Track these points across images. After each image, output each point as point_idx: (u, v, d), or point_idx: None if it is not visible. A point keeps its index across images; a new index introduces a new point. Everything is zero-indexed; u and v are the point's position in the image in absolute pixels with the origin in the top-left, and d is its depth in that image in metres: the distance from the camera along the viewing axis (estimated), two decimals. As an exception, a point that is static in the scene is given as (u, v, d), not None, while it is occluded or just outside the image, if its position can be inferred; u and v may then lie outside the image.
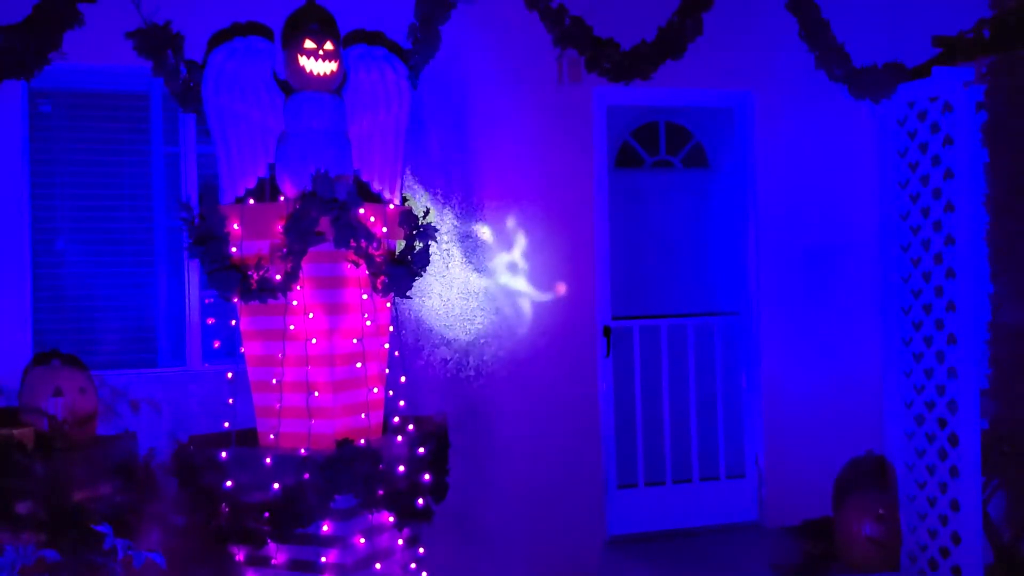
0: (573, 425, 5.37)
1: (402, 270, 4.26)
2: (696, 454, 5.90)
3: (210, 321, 4.79)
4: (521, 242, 5.31)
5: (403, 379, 4.52)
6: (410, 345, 5.02)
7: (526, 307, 5.31)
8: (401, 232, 4.39)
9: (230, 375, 4.32)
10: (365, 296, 4.24)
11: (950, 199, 4.93)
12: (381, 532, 4.18)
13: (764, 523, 5.79)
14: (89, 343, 4.77)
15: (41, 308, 4.71)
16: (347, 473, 3.95)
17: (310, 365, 4.12)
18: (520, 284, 5.31)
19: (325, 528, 3.99)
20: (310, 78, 4.25)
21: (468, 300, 5.19)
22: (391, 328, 4.48)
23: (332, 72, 4.28)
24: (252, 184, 4.37)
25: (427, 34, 4.96)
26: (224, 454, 4.08)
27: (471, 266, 5.21)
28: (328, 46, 4.25)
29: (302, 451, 4.03)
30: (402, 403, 4.47)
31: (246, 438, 4.34)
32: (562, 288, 5.36)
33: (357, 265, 4.17)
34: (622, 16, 5.39)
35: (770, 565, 5.28)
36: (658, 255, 6.24)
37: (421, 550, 4.41)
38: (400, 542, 4.26)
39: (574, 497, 5.36)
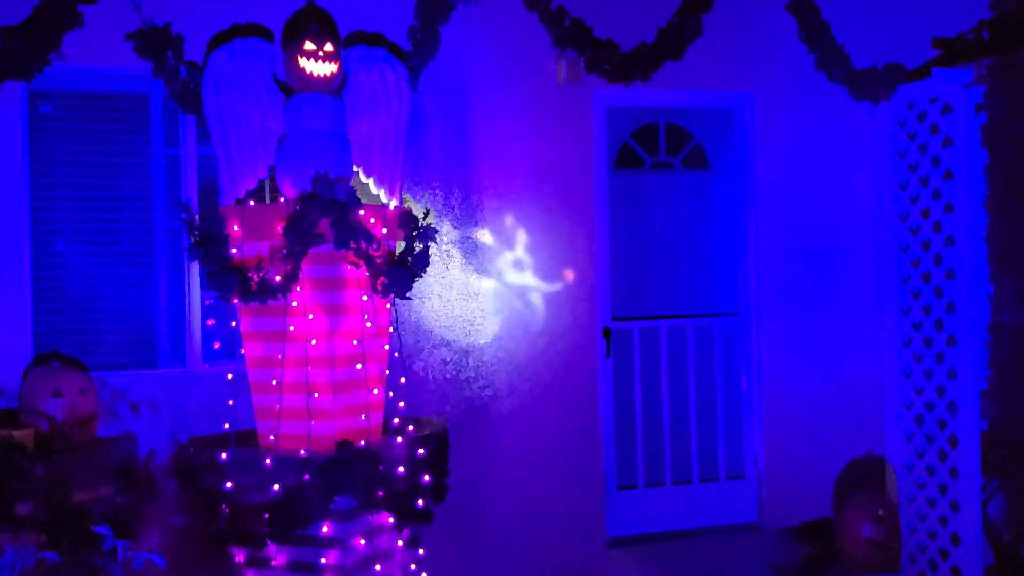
0: (573, 426, 5.37)
1: (402, 271, 4.26)
2: (696, 455, 5.90)
3: (210, 322, 4.79)
4: (521, 243, 5.31)
5: (403, 380, 4.52)
6: (410, 346, 5.03)
7: (526, 308, 5.31)
8: (401, 233, 4.39)
9: (230, 376, 4.32)
10: (365, 297, 4.24)
11: (950, 200, 4.93)
12: (381, 533, 4.18)
13: (764, 524, 5.79)
14: (89, 344, 4.77)
15: (41, 309, 4.71)
16: (347, 474, 3.95)
17: (310, 366, 4.12)
18: (520, 286, 5.31)
19: (325, 529, 3.99)
20: (310, 79, 4.25)
21: (468, 301, 5.20)
22: (391, 329, 4.48)
23: (332, 73, 4.28)
24: (252, 185, 4.37)
25: (427, 35, 4.97)
26: (224, 455, 4.08)
27: (471, 267, 5.21)
28: (328, 47, 4.25)
29: (302, 452, 4.03)
30: (402, 404, 4.47)
31: (246, 439, 4.34)
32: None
33: (357, 266, 4.17)
34: (622, 17, 5.39)
35: (770, 566, 5.28)
36: (658, 256, 6.24)
37: (421, 551, 4.41)
38: (400, 543, 4.26)
39: (574, 498, 5.36)
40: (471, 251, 5.21)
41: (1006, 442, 5.15)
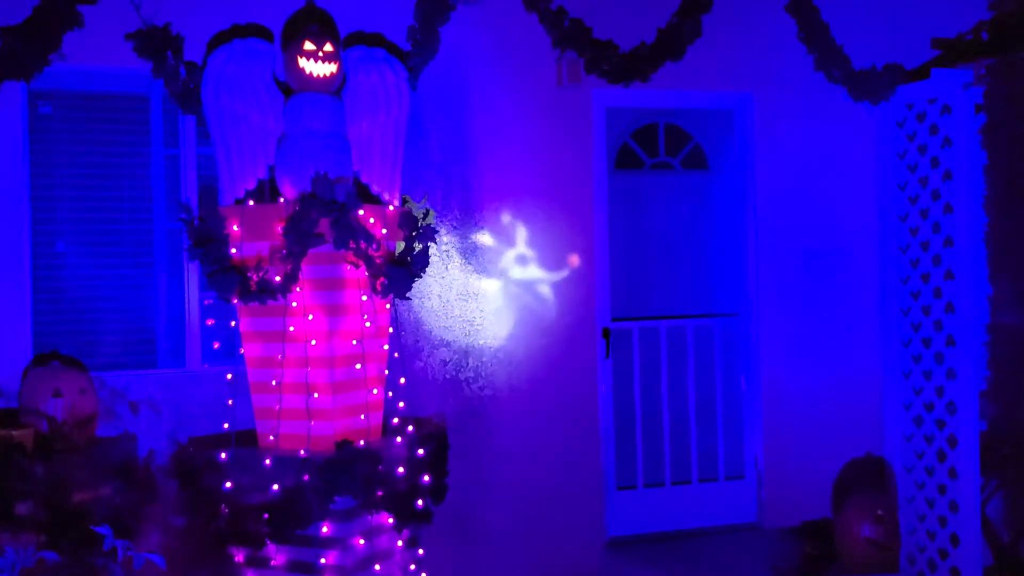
0: (572, 426, 5.37)
1: (401, 271, 4.26)
2: (695, 455, 5.91)
3: (210, 322, 4.79)
4: (520, 243, 5.31)
5: (402, 380, 4.52)
6: (409, 346, 5.03)
7: (524, 308, 5.32)
8: (401, 234, 4.39)
9: (230, 376, 4.33)
10: (365, 297, 4.24)
11: (949, 200, 4.93)
12: (380, 533, 4.18)
13: (763, 524, 5.79)
14: (89, 344, 4.78)
15: (41, 309, 4.71)
16: (346, 474, 3.95)
17: (310, 366, 4.12)
18: (519, 287, 5.31)
19: (324, 529, 3.99)
20: (310, 80, 4.25)
21: (467, 301, 5.20)
22: (390, 329, 4.48)
23: (332, 74, 4.28)
24: (252, 186, 4.37)
25: (426, 36, 4.96)
26: (224, 455, 4.08)
27: (470, 267, 5.22)
28: (328, 48, 4.25)
29: (301, 452, 4.03)
30: (401, 404, 4.47)
31: (246, 439, 4.34)
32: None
33: (357, 266, 4.18)
34: (621, 18, 5.39)
35: (769, 566, 5.28)
36: (658, 256, 6.25)
37: (420, 551, 4.41)
38: (400, 543, 4.26)
39: (573, 498, 5.36)
40: (470, 251, 5.22)
41: (1005, 442, 5.15)
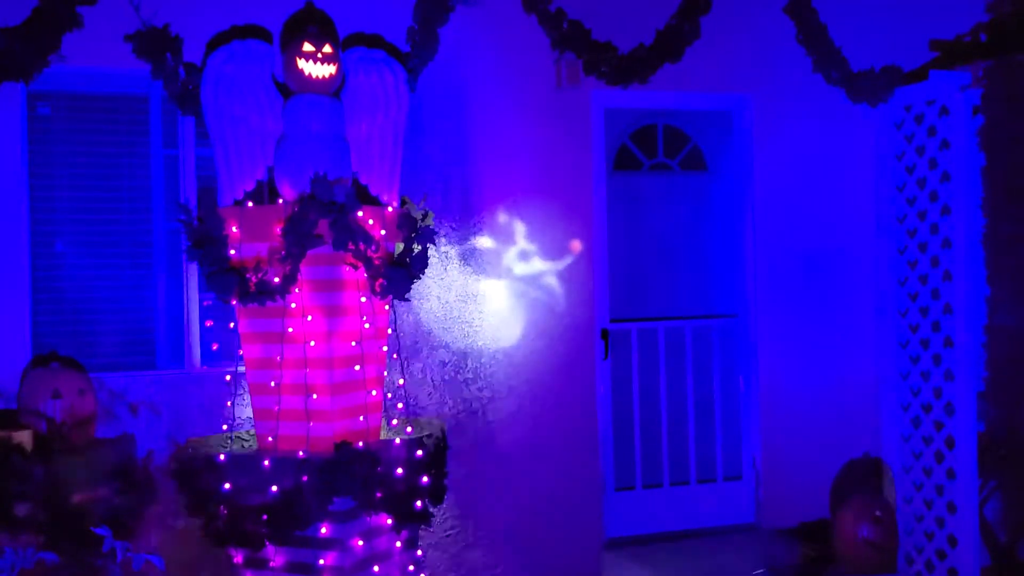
0: (571, 427, 5.38)
1: (401, 272, 4.26)
2: (693, 456, 5.92)
3: (208, 323, 4.79)
4: (519, 244, 5.31)
5: (401, 382, 4.52)
6: (408, 348, 5.03)
7: (524, 309, 5.32)
8: (400, 235, 4.39)
9: (228, 377, 4.33)
10: (364, 299, 4.24)
11: (947, 202, 4.94)
12: (379, 534, 4.18)
13: (761, 525, 5.80)
14: (88, 345, 4.78)
15: (40, 310, 4.71)
16: (345, 475, 3.96)
17: (308, 367, 4.12)
18: (518, 287, 5.31)
19: (323, 530, 3.99)
20: (309, 81, 4.25)
21: (466, 303, 5.20)
22: (389, 331, 4.49)
23: (331, 75, 4.28)
24: (251, 187, 4.37)
25: (425, 37, 4.97)
26: (222, 456, 4.09)
27: (469, 269, 5.22)
28: (327, 49, 4.25)
29: (300, 453, 4.04)
30: (400, 405, 4.48)
31: (245, 441, 4.34)
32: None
33: (356, 268, 4.18)
34: (620, 19, 5.39)
35: (767, 567, 5.29)
36: (656, 258, 6.26)
37: (419, 552, 4.41)
38: (398, 544, 4.26)
39: (572, 499, 5.37)
40: (469, 253, 5.22)
41: (1003, 443, 5.16)
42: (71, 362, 4.45)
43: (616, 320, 5.71)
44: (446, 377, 5.17)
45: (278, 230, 4.07)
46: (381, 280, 4.21)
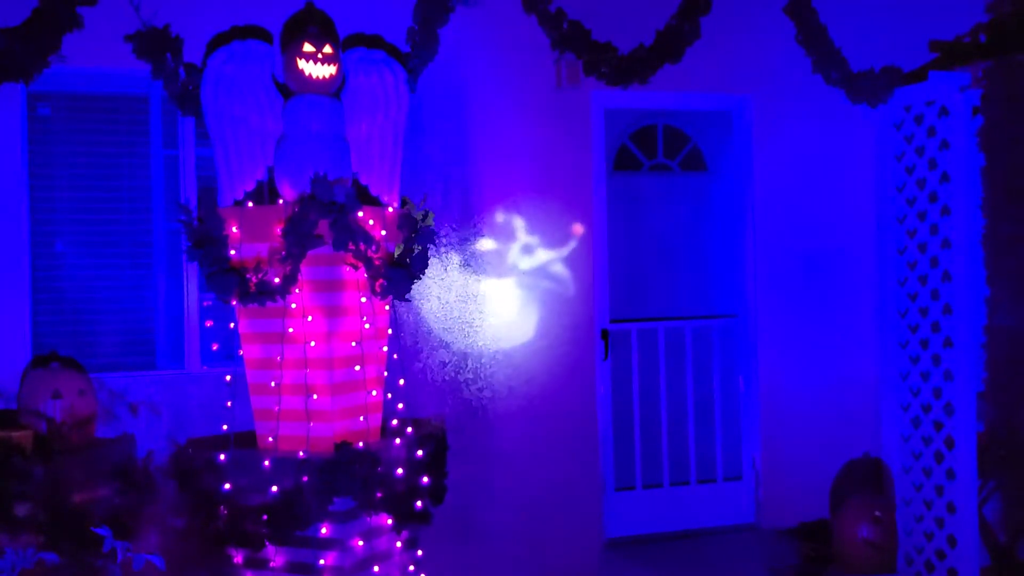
0: (571, 427, 5.38)
1: (401, 273, 4.26)
2: (693, 456, 5.91)
3: (209, 324, 4.79)
4: (519, 244, 5.32)
5: (401, 382, 4.53)
6: (408, 348, 5.03)
7: (525, 309, 5.32)
8: (400, 235, 4.39)
9: (228, 378, 4.33)
10: (364, 299, 4.24)
11: (946, 203, 4.94)
12: (379, 534, 4.18)
13: (761, 525, 5.80)
14: (88, 345, 4.78)
15: (40, 310, 4.71)
16: (345, 476, 3.96)
17: (309, 368, 4.13)
18: (518, 288, 5.31)
19: (323, 530, 3.99)
20: (309, 81, 4.26)
21: (466, 303, 5.20)
22: (389, 331, 4.49)
23: (331, 75, 4.28)
24: (251, 187, 4.37)
25: (425, 37, 4.97)
26: (223, 457, 4.09)
27: (469, 269, 5.22)
28: (327, 49, 4.26)
29: (300, 454, 4.04)
30: (400, 406, 4.48)
31: (245, 441, 4.34)
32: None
33: (356, 268, 4.18)
34: (620, 20, 5.40)
35: (767, 567, 5.29)
36: (656, 258, 6.26)
37: (419, 552, 4.41)
38: (398, 544, 4.26)
39: (572, 499, 5.37)
40: (470, 253, 5.22)
41: (1002, 444, 5.16)
42: (71, 362, 4.44)
43: (616, 320, 5.71)
44: (446, 377, 5.17)
45: (278, 230, 4.07)
46: (381, 280, 4.21)
